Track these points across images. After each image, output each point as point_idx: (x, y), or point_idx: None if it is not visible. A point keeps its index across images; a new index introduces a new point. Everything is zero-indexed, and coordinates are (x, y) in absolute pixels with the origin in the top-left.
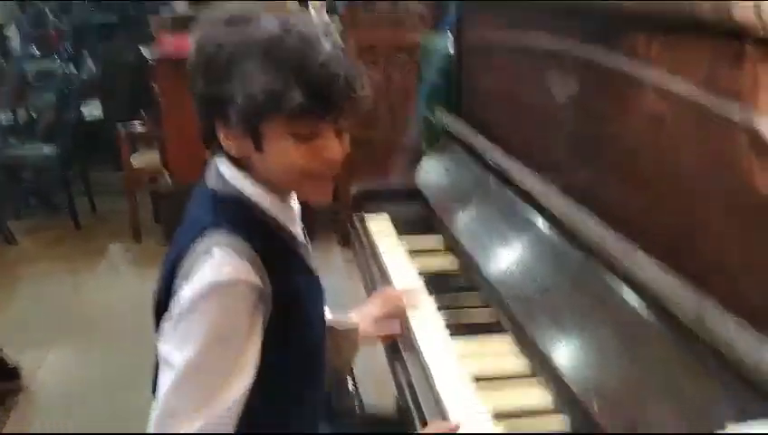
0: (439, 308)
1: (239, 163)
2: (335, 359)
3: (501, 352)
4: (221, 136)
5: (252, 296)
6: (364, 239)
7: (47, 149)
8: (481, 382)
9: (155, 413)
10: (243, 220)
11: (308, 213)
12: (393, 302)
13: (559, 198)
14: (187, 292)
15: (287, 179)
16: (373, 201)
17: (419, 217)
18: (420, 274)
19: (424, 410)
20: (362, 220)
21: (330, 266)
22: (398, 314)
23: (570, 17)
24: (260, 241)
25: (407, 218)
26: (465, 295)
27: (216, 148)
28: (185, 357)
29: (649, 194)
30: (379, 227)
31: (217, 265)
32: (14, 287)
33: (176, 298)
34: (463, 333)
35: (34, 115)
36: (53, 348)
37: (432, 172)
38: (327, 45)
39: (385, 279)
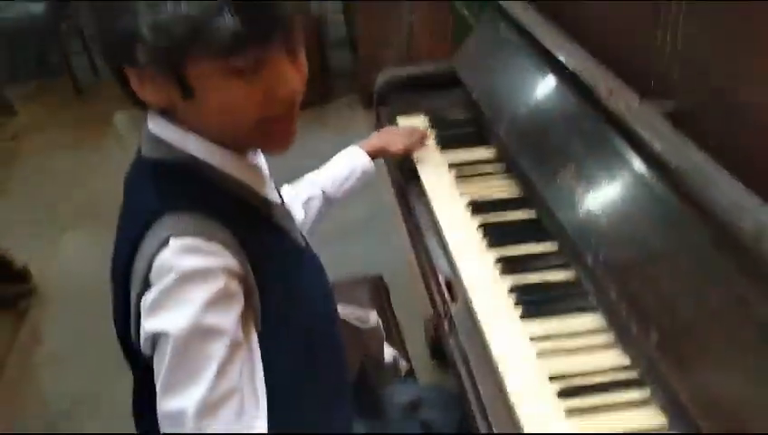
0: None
1: (174, 117)
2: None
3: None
4: (133, 83)
5: (235, 282)
6: None
7: (34, 7)
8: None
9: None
10: (199, 192)
11: (322, 73)
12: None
13: (656, 123)
14: (154, 310)
15: (233, 130)
16: (404, 91)
17: (463, 118)
18: (472, 208)
19: None
20: (393, 123)
21: (353, 133)
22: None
23: None
24: (227, 215)
25: (447, 117)
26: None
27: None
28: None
29: None
30: None
31: (177, 256)
32: (14, 167)
33: (147, 324)
34: (534, 310)
35: None
36: (63, 240)
37: (477, 55)
38: None
39: (426, 209)
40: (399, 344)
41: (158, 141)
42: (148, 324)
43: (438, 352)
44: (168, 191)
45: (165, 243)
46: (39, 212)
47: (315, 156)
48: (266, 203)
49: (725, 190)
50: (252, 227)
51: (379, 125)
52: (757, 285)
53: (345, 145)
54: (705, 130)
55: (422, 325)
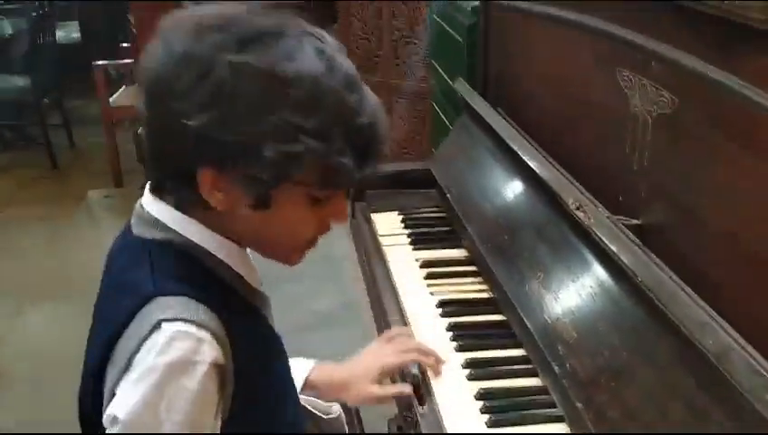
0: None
1: (184, 207)
2: None
3: None
4: (205, 183)
5: (215, 379)
6: (370, 245)
7: (21, 81)
8: None
9: None
10: (194, 277)
11: None
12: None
13: (623, 237)
14: (129, 389)
15: (268, 242)
16: (379, 190)
17: (437, 217)
18: (442, 309)
19: None
20: (368, 219)
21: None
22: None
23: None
24: (219, 303)
25: (421, 216)
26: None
27: (162, 192)
28: None
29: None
30: (389, 229)
31: (167, 342)
32: None
33: (115, 402)
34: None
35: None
36: (25, 313)
37: (452, 157)
38: (365, 88)
39: (396, 307)
40: None
41: (153, 222)
42: (121, 407)
43: None
44: (162, 273)
45: (157, 326)
46: (2, 285)
47: None
48: (253, 292)
49: (690, 307)
50: (239, 316)
51: (353, 220)
52: (720, 402)
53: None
54: (671, 246)
55: (385, 424)
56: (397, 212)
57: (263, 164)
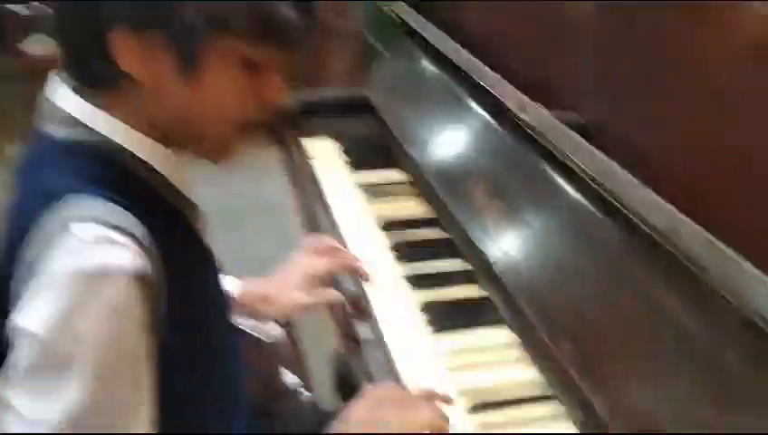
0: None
1: (100, 100)
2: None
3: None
4: (121, 49)
5: (137, 292)
6: (303, 170)
7: None
8: None
9: None
10: (112, 178)
11: None
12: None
13: (568, 134)
14: (38, 299)
15: (196, 126)
16: (314, 116)
17: (374, 141)
18: (382, 228)
19: None
20: (300, 144)
21: (263, 170)
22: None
23: None
24: (141, 207)
25: (358, 141)
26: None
27: (72, 76)
28: (58, 411)
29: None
30: (323, 154)
31: (78, 247)
32: None
33: (22, 313)
34: (446, 325)
35: None
36: None
37: (388, 82)
38: None
39: (334, 230)
40: (303, 374)
41: (67, 119)
42: (32, 320)
43: (344, 386)
44: (78, 172)
45: (64, 229)
46: None
47: (211, 181)
48: (191, 206)
49: (637, 189)
50: (167, 224)
51: (284, 146)
52: (673, 284)
53: (247, 169)
54: (617, 140)
55: (327, 359)
56: (333, 139)
57: (188, 9)
